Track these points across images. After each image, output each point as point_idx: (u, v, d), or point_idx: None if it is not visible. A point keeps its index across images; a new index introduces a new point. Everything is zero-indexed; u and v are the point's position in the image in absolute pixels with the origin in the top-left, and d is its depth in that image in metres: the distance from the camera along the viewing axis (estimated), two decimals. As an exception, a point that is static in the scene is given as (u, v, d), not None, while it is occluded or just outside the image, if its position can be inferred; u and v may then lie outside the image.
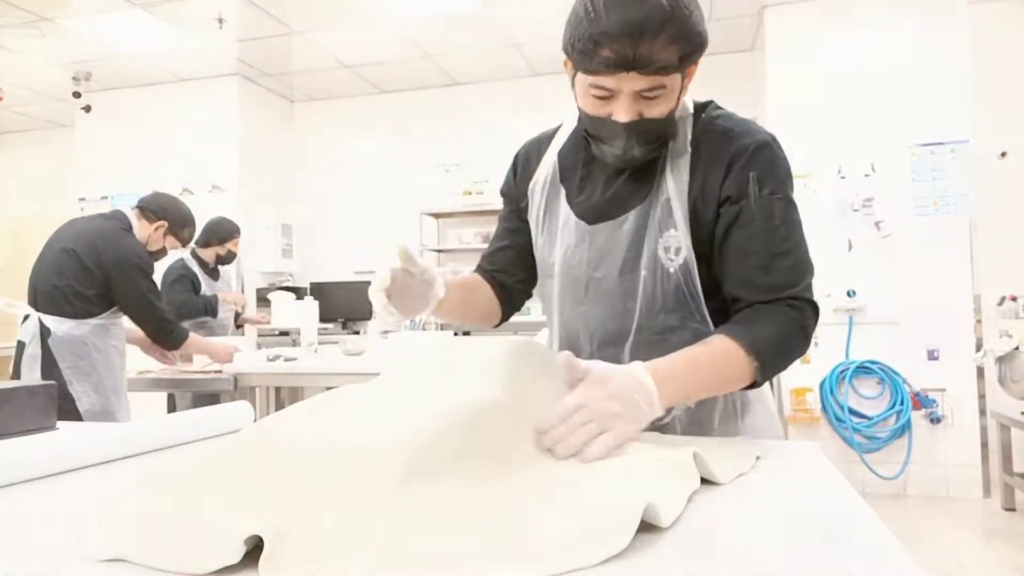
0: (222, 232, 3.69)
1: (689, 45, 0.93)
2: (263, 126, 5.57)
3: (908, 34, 4.00)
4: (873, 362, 3.95)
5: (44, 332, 2.49)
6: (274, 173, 5.70)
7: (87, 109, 5.07)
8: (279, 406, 4.08)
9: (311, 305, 3.57)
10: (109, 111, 5.38)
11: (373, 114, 5.84)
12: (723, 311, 1.05)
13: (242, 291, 4.77)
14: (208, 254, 3.71)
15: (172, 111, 5.37)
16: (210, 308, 3.60)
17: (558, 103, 5.53)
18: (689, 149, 1.05)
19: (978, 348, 3.76)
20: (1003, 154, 4.15)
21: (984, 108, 4.10)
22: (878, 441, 3.92)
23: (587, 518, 0.59)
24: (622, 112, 0.96)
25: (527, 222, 1.22)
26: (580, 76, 0.98)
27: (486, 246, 1.34)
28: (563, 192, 1.14)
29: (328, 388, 0.94)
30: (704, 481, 0.74)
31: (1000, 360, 3.46)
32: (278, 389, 4.08)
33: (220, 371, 3.03)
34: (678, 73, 0.96)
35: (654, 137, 1.01)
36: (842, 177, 4.02)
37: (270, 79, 5.43)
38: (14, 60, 4.82)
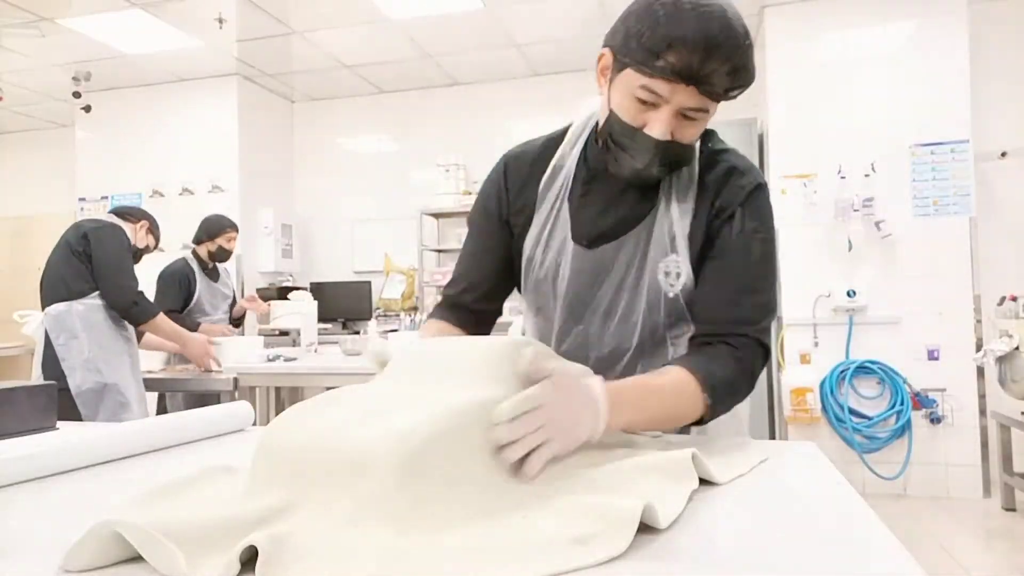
0: (212, 227, 3.65)
1: (745, 78, 0.93)
2: (263, 126, 5.56)
3: (908, 34, 4.00)
4: (873, 362, 3.95)
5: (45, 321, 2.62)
6: (274, 173, 5.70)
7: (87, 109, 5.07)
8: (279, 406, 4.08)
9: (310, 305, 3.57)
10: (109, 111, 5.38)
11: (373, 114, 5.83)
12: None
13: (241, 293, 4.76)
14: (203, 251, 3.68)
15: (172, 111, 5.37)
16: (188, 319, 3.47)
17: (558, 103, 5.56)
18: (695, 178, 1.06)
19: (978, 348, 3.76)
20: (1003, 154, 4.14)
21: (984, 108, 4.10)
22: (878, 441, 3.92)
23: (587, 519, 0.59)
24: (659, 126, 0.94)
25: (507, 239, 1.18)
26: (630, 75, 0.94)
27: None
28: (567, 211, 1.11)
29: (328, 388, 0.94)
30: (703, 482, 0.74)
31: (1000, 360, 3.46)
32: (278, 389, 4.07)
33: (221, 371, 3.04)
34: (720, 102, 0.96)
35: (677, 161, 1.02)
36: (842, 177, 4.02)
37: (270, 79, 5.43)
38: (14, 60, 4.82)
